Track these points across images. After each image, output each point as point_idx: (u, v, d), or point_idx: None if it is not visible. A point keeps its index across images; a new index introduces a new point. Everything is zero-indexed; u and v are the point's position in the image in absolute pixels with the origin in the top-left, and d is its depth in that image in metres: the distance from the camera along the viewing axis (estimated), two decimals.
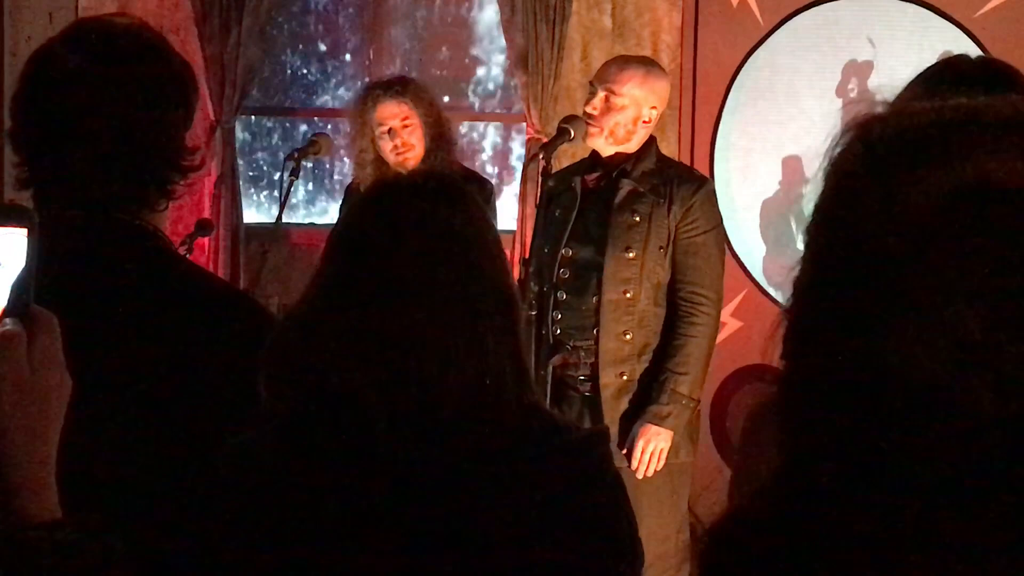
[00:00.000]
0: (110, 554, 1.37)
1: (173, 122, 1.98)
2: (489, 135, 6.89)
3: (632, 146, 4.20)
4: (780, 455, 0.96)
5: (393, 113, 4.66)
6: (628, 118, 4.15)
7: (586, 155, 4.38)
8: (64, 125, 1.92)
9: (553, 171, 4.33)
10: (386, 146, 4.68)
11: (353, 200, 4.77)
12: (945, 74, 2.15)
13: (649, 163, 4.20)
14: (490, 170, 6.70)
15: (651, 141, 4.26)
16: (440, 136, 4.71)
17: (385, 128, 4.67)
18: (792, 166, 5.86)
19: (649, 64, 4.39)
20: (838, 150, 0.96)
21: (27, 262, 1.05)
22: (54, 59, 1.95)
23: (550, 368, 4.16)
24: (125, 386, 1.87)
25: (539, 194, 4.16)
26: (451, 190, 1.84)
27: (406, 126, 4.67)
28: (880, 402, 0.87)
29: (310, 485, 1.72)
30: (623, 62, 4.38)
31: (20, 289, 1.05)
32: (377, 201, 1.84)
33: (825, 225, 0.95)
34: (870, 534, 0.88)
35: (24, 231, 1.05)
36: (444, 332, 1.70)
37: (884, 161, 0.91)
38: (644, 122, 4.18)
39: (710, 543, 1.01)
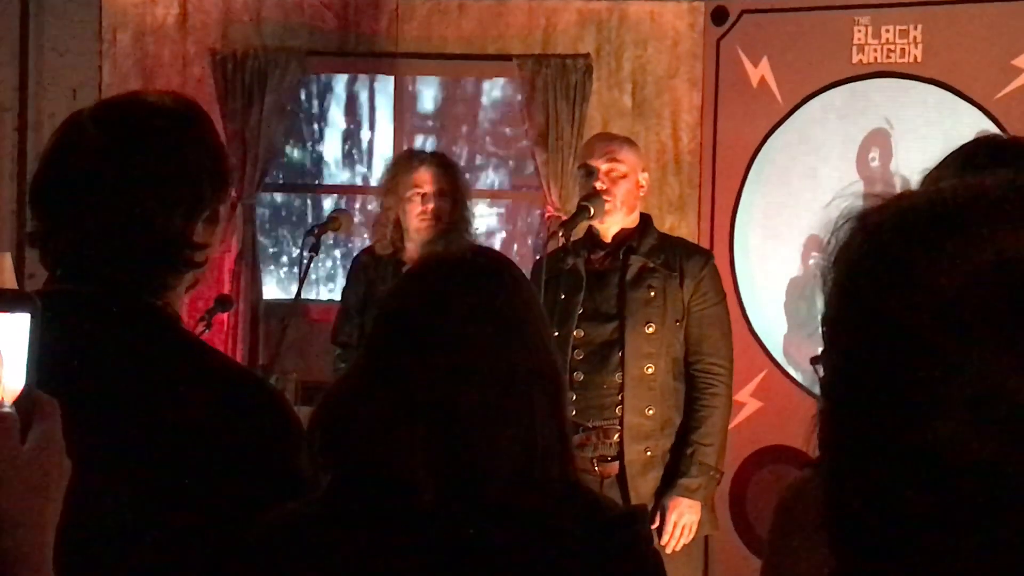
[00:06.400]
0: None
1: (187, 213, 1.92)
2: (508, 213, 6.91)
3: (632, 220, 4.28)
4: (832, 558, 0.94)
5: (431, 180, 4.74)
6: (632, 183, 4.26)
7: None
8: (81, 199, 1.90)
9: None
10: (413, 209, 4.73)
11: (360, 267, 4.85)
12: (980, 153, 2.15)
13: (652, 239, 4.28)
14: (509, 248, 6.71)
15: (648, 218, 4.36)
16: (461, 217, 4.80)
17: (419, 191, 4.73)
18: (812, 246, 5.85)
19: (621, 135, 4.62)
20: (837, 246, 0.95)
21: (29, 347, 1.05)
22: (80, 131, 1.94)
23: None
24: (134, 465, 1.84)
25: (533, 272, 4.13)
26: (496, 265, 1.84)
27: (440, 194, 4.74)
28: (935, 489, 0.86)
29: (353, 557, 1.71)
30: (603, 136, 4.62)
31: (22, 374, 1.05)
32: (422, 276, 1.84)
33: (844, 321, 0.93)
34: None
35: (27, 316, 1.05)
36: (491, 408, 1.70)
37: (894, 248, 0.90)
38: (640, 187, 4.29)
39: None
